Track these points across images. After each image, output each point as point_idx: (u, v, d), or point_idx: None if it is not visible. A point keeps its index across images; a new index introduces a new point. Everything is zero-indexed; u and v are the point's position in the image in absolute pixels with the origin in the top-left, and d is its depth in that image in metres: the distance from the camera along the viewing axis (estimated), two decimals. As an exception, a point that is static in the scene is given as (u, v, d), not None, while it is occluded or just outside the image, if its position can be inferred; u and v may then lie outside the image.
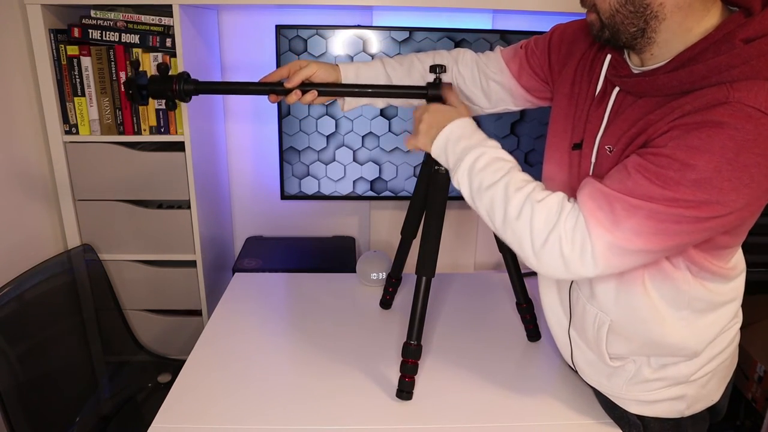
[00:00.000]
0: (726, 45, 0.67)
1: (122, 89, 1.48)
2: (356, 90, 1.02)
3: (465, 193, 0.85)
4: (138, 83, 0.95)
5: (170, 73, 0.97)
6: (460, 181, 0.85)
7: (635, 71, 0.79)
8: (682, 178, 0.66)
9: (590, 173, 0.85)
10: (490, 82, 1.05)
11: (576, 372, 1.01)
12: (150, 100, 1.01)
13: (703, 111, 0.66)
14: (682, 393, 0.87)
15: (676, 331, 0.82)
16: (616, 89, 0.82)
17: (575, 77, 0.91)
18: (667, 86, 0.72)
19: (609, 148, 0.80)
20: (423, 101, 1.00)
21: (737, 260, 0.85)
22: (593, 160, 0.84)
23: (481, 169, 0.82)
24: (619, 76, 0.81)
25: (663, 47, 0.74)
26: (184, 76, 0.97)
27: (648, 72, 0.76)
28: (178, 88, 0.96)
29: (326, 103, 1.63)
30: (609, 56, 0.84)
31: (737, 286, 0.86)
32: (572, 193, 0.80)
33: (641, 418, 0.91)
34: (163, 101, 0.99)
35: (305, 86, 1.00)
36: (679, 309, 0.82)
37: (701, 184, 0.66)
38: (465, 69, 1.07)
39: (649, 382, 0.87)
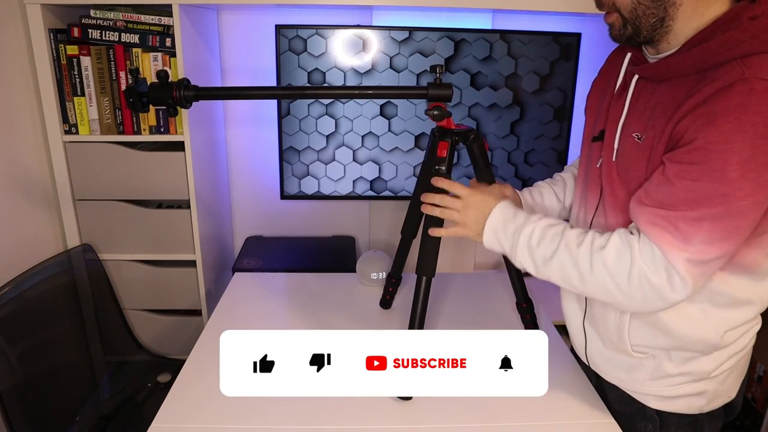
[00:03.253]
0: (735, 23, 0.71)
1: (122, 91, 1.47)
2: (356, 92, 1.02)
3: (532, 271, 0.87)
4: (138, 91, 0.95)
5: (170, 80, 0.97)
6: (523, 263, 0.87)
7: (652, 61, 0.82)
8: (727, 163, 0.68)
9: (613, 159, 0.86)
10: None
11: (588, 368, 1.02)
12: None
13: (721, 93, 0.68)
14: (703, 389, 0.88)
15: (694, 321, 0.83)
16: (635, 78, 0.84)
17: (600, 84, 0.95)
18: (683, 65, 0.75)
19: (638, 135, 0.81)
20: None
21: None
22: (616, 146, 0.86)
23: (537, 243, 0.85)
24: (638, 64, 0.84)
25: (679, 34, 0.77)
26: (184, 83, 0.97)
27: (665, 56, 0.79)
28: (178, 95, 0.96)
29: (326, 102, 1.63)
30: (629, 54, 0.87)
31: (766, 287, 0.84)
32: (587, 182, 0.88)
33: (659, 413, 0.91)
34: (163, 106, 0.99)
35: (301, 89, 1.00)
36: (699, 302, 0.82)
37: (746, 164, 0.67)
38: None
39: (671, 377, 0.88)
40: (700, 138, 0.69)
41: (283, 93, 0.99)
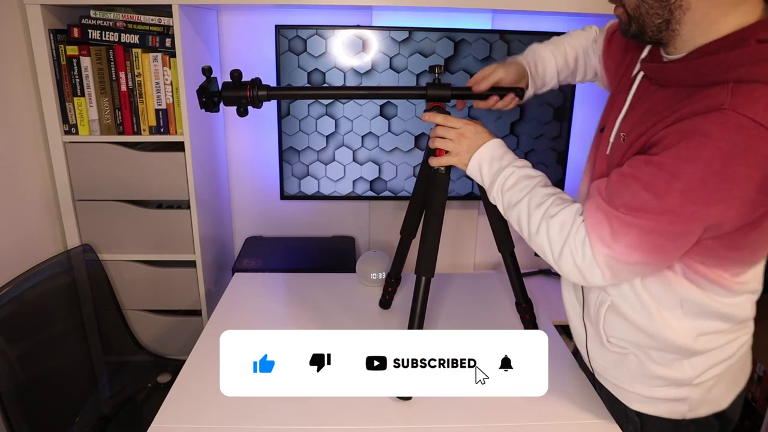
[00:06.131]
0: (742, 43, 0.67)
1: (122, 90, 1.48)
2: (358, 92, 1.02)
3: (500, 210, 0.92)
4: (210, 90, 0.93)
5: (243, 80, 0.94)
6: (495, 198, 0.91)
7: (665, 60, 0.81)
8: (670, 188, 0.68)
9: (607, 153, 0.87)
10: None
11: (587, 368, 1.02)
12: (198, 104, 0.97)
13: (697, 117, 0.66)
14: (685, 395, 0.87)
15: (667, 325, 0.83)
16: (640, 76, 0.84)
17: (621, 67, 0.94)
18: (680, 75, 0.74)
19: (623, 135, 0.82)
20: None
21: (750, 278, 0.81)
22: (611, 141, 0.86)
23: (509, 188, 0.88)
24: (645, 61, 0.83)
25: (688, 40, 0.74)
26: (257, 82, 0.95)
27: (667, 60, 0.78)
28: (252, 95, 0.94)
29: (326, 103, 1.63)
30: (648, 47, 0.86)
31: (744, 302, 0.83)
32: (592, 169, 0.89)
33: (641, 416, 0.91)
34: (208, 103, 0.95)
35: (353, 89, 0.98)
36: (671, 308, 0.82)
37: (688, 195, 0.67)
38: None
39: (652, 378, 0.88)
40: (661, 154, 0.69)
41: (351, 95, 0.98)
